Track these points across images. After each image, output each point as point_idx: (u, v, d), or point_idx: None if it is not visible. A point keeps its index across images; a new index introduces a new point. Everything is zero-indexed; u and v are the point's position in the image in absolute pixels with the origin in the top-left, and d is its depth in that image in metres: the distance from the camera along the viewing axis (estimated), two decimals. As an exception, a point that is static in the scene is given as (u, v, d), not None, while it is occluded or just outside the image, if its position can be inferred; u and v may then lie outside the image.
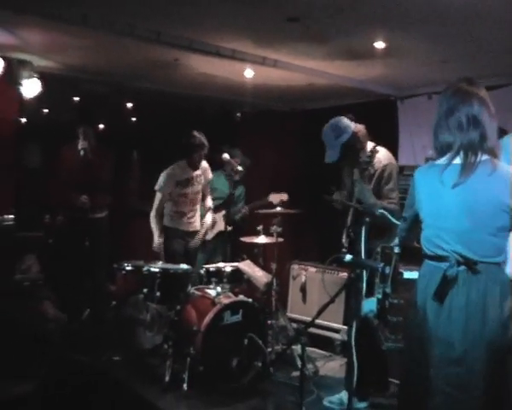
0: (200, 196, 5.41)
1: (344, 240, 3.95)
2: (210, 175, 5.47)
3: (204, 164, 5.36)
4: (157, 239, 5.15)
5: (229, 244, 5.44)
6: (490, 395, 2.17)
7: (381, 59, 4.87)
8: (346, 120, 3.81)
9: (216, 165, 5.71)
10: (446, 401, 2.19)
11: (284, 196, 5.33)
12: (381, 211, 3.28)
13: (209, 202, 5.54)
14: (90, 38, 4.58)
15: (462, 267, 2.23)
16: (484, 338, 2.17)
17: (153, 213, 5.21)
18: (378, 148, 3.90)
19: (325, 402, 4.07)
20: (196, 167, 5.26)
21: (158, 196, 5.21)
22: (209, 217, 5.45)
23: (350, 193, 3.85)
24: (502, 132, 3.69)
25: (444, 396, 2.19)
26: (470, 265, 2.21)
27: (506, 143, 3.01)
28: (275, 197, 5.35)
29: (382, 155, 3.86)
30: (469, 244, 2.24)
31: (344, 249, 3.65)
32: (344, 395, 3.98)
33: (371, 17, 3.88)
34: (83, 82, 6.05)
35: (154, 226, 5.18)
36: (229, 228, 5.46)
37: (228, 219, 5.51)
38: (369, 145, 3.88)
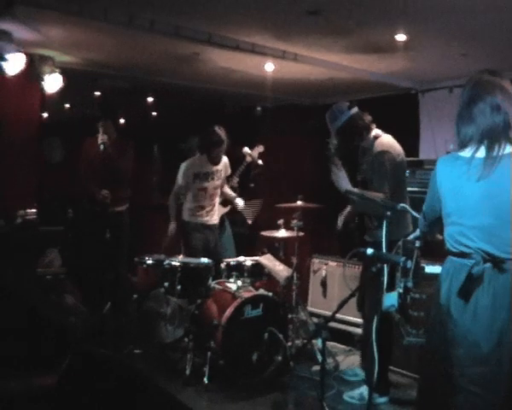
0: (219, 191, 5.43)
1: (339, 225, 4.11)
2: (229, 170, 5.50)
3: (225, 159, 5.38)
4: (172, 227, 5.28)
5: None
6: None
7: (402, 52, 4.82)
8: (343, 106, 3.90)
9: (236, 159, 5.72)
10: (470, 400, 2.16)
11: (260, 148, 5.36)
12: (402, 205, 3.25)
13: (231, 193, 5.62)
14: (111, 34, 4.61)
15: (488, 265, 2.18)
16: (510, 337, 2.12)
17: (170, 198, 5.36)
18: (381, 135, 3.91)
19: (345, 397, 4.06)
20: (216, 163, 5.28)
21: (177, 182, 5.33)
22: (239, 201, 5.59)
23: (363, 180, 3.91)
24: None
25: (468, 395, 2.16)
26: (496, 262, 2.17)
27: None
28: (252, 154, 5.36)
29: (380, 142, 3.87)
30: (494, 241, 2.19)
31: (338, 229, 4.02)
32: (364, 389, 3.97)
33: (391, 9, 3.84)
34: (103, 77, 6.11)
35: (171, 210, 5.34)
36: (249, 222, 5.47)
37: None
38: (374, 132, 3.91)
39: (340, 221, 4.25)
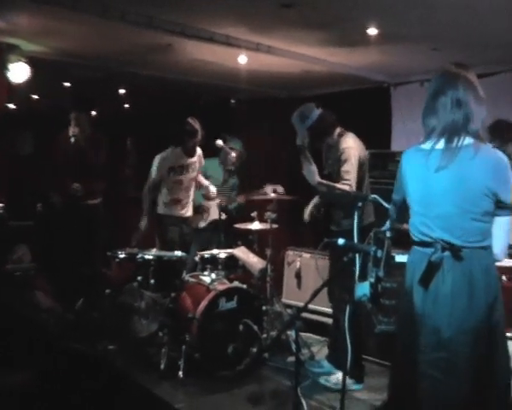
0: (194, 183, 5.41)
1: (306, 216, 4.32)
2: (203, 162, 5.48)
3: (198, 151, 5.36)
4: (144, 221, 5.23)
5: (222, 233, 5.44)
6: (477, 380, 2.18)
7: (375, 46, 4.88)
8: (311, 107, 4.13)
9: (211, 152, 5.69)
10: (434, 385, 2.20)
11: (279, 188, 5.37)
12: (374, 196, 3.32)
13: (204, 181, 5.57)
14: (82, 23, 4.53)
15: (447, 253, 2.23)
16: (470, 323, 2.18)
17: (144, 191, 5.29)
18: (345, 133, 4.14)
19: (321, 380, 4.11)
20: (191, 155, 5.25)
21: (150, 176, 5.27)
22: (212, 188, 5.52)
23: (329, 174, 4.13)
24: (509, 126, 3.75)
25: (431, 380, 2.21)
26: (455, 250, 2.22)
27: None
28: (270, 189, 5.38)
29: (344, 139, 4.09)
30: (454, 230, 2.24)
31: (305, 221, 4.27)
32: (340, 375, 4.02)
33: (364, 3, 3.88)
34: (74, 67, 5.99)
35: (144, 203, 5.27)
36: (224, 216, 5.46)
37: (222, 208, 5.51)
38: (338, 130, 4.13)
39: (306, 213, 4.36)
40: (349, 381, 3.95)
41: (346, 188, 3.84)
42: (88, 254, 5.57)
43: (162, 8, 4.16)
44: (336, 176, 3.99)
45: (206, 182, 5.59)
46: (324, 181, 3.98)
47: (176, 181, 5.24)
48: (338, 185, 3.89)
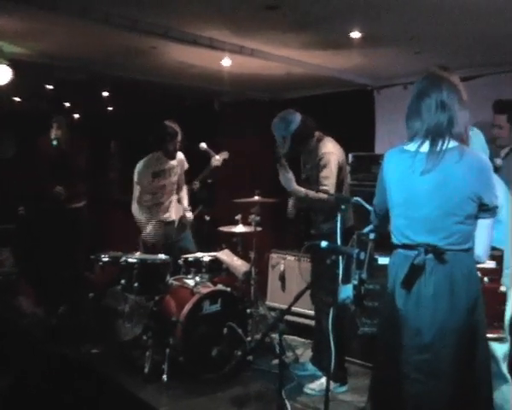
0: (175, 187, 5.39)
1: (290, 209, 4.35)
2: (186, 166, 5.45)
3: (180, 155, 5.33)
4: (148, 229, 5.11)
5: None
6: (459, 381, 2.19)
7: (358, 49, 4.90)
8: (292, 111, 4.12)
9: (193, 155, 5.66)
10: (416, 386, 2.21)
11: (225, 154, 5.36)
12: (356, 198, 3.33)
13: (185, 202, 5.50)
14: (64, 25, 4.48)
15: (430, 255, 2.24)
16: (451, 325, 2.19)
17: (134, 206, 5.15)
18: (324, 137, 4.15)
19: (306, 389, 4.11)
20: (173, 157, 5.22)
21: (137, 187, 5.15)
22: (189, 215, 5.46)
23: (307, 179, 4.16)
24: None
25: (413, 382, 2.22)
26: (438, 253, 2.23)
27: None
28: (217, 160, 5.36)
29: (323, 144, 4.11)
30: (437, 233, 2.25)
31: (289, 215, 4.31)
32: (324, 380, 4.03)
33: (347, 7, 3.90)
34: (56, 69, 5.92)
35: (140, 217, 5.13)
36: (207, 218, 5.46)
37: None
38: (316, 135, 4.15)
39: (291, 209, 4.34)
40: (333, 384, 3.97)
41: (324, 195, 3.84)
42: (71, 257, 5.54)
43: (146, 10, 4.14)
44: (315, 181, 4.01)
45: (186, 206, 5.49)
46: (300, 188, 3.98)
47: (159, 186, 5.21)
48: (312, 193, 3.91)
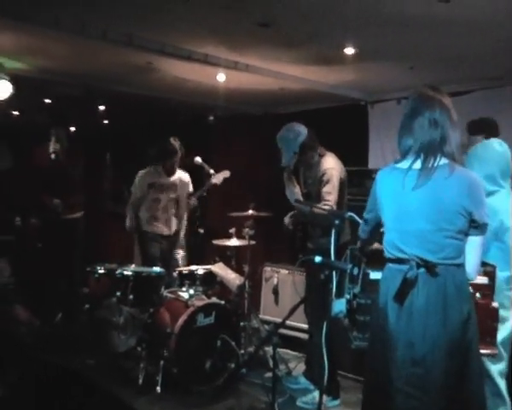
0: (173, 204, 5.43)
1: (287, 223, 4.30)
2: (190, 188, 5.51)
3: (185, 177, 5.42)
4: (128, 222, 5.35)
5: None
6: (451, 396, 2.21)
7: (351, 64, 4.95)
8: (298, 124, 4.14)
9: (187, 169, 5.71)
10: (407, 401, 2.22)
11: (226, 173, 5.40)
12: (350, 214, 3.37)
13: (182, 234, 5.61)
14: (62, 41, 4.56)
15: (422, 270, 2.27)
16: (444, 339, 2.21)
17: (128, 207, 5.40)
18: (326, 153, 4.18)
19: (298, 403, 4.13)
20: (170, 174, 5.30)
21: (133, 192, 5.38)
22: (181, 253, 5.59)
23: (308, 194, 4.18)
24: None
25: (405, 397, 2.22)
26: (430, 267, 2.26)
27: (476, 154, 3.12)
28: (217, 177, 5.40)
29: (326, 160, 4.13)
30: (429, 247, 2.29)
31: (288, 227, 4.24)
32: (317, 394, 4.05)
33: (341, 23, 3.95)
34: (55, 84, 5.99)
35: (128, 214, 5.38)
36: (201, 231, 5.49)
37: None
38: (319, 150, 4.17)
39: (287, 221, 4.36)
40: (326, 398, 4.00)
41: (326, 208, 3.85)
42: (67, 268, 5.56)
43: (142, 26, 4.20)
44: (316, 196, 4.02)
45: (181, 236, 5.63)
46: (305, 202, 4.03)
47: (154, 199, 5.29)
48: (317, 206, 3.89)
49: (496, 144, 3.14)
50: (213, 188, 5.42)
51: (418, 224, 2.31)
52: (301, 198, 4.08)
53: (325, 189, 3.97)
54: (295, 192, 4.05)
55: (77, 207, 5.65)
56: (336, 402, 4.13)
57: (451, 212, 2.27)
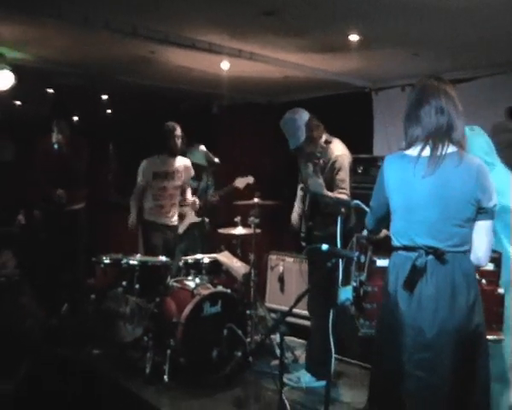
0: (179, 192, 5.45)
1: (294, 222, 4.33)
2: (192, 173, 5.53)
3: (186, 162, 5.42)
4: (132, 218, 5.33)
5: (201, 236, 5.48)
6: (459, 379, 2.24)
7: (356, 52, 4.93)
8: (301, 109, 4.09)
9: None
10: (418, 384, 2.26)
11: (250, 179, 5.39)
12: (356, 202, 3.36)
13: (189, 196, 5.61)
14: (65, 31, 4.55)
15: (431, 257, 2.29)
16: (452, 324, 2.24)
17: (132, 196, 5.38)
18: (332, 139, 4.09)
19: (284, 379, 4.10)
20: (175, 154, 5.31)
21: (137, 181, 5.36)
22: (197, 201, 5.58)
23: (305, 184, 4.12)
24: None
25: (415, 380, 2.26)
26: (438, 254, 2.27)
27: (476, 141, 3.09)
28: (241, 181, 5.40)
29: (335, 146, 4.05)
30: (437, 235, 2.30)
31: (302, 234, 4.15)
32: (302, 373, 4.17)
33: (345, 10, 3.93)
34: (57, 74, 5.98)
35: (132, 207, 5.36)
36: (207, 220, 5.49)
37: (199, 210, 5.56)
38: (324, 137, 4.09)
39: (295, 219, 4.35)
40: (310, 377, 4.10)
41: (344, 197, 3.83)
42: (71, 259, 5.57)
43: (145, 16, 4.18)
44: (328, 183, 3.95)
45: (190, 197, 5.63)
46: (329, 193, 3.91)
47: (160, 188, 5.28)
48: (338, 196, 3.86)
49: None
50: (235, 191, 5.46)
51: (427, 212, 2.31)
52: (325, 189, 3.91)
53: (339, 176, 3.94)
54: (320, 183, 3.91)
55: (80, 198, 5.65)
56: (319, 384, 4.06)
57: (461, 201, 2.28)
